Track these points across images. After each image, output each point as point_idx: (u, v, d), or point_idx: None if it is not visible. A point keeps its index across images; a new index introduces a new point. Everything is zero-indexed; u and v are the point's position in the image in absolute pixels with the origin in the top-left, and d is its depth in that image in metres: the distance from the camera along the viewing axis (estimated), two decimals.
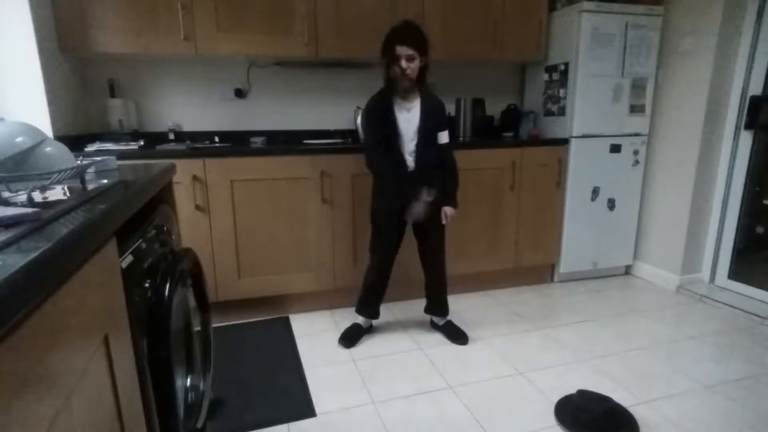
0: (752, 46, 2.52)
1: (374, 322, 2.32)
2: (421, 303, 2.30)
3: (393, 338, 2.22)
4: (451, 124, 2.67)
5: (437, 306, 2.26)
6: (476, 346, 2.14)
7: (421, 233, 2.15)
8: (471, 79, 3.09)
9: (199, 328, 1.44)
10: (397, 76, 1.89)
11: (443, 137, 2.05)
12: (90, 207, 0.74)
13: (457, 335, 2.18)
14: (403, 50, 1.86)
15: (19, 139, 0.92)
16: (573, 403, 1.62)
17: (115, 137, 2.33)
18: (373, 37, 2.51)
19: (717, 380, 1.85)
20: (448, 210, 2.06)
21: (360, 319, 2.24)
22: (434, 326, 2.31)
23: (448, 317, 2.27)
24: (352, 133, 2.83)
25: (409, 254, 2.23)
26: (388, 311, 2.51)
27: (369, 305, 2.21)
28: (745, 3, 2.50)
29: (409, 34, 1.87)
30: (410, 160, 2.01)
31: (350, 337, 2.16)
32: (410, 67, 1.87)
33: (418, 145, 1.99)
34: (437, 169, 2.05)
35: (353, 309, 2.26)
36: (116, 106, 2.44)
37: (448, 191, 2.06)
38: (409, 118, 1.98)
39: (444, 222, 2.06)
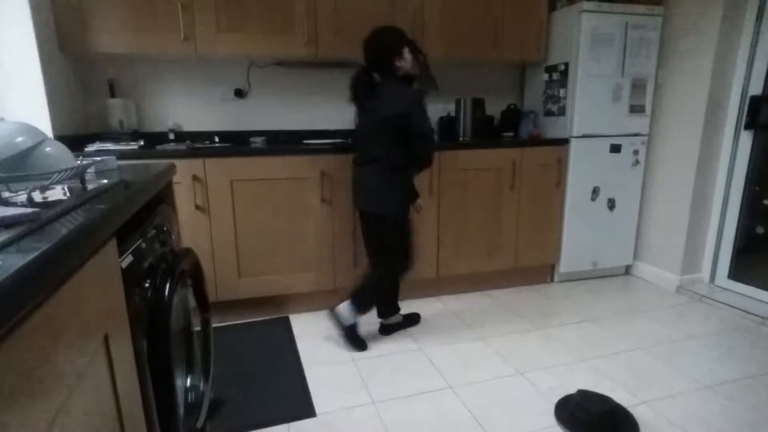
0: (752, 46, 2.52)
1: (373, 320, 2.31)
2: (422, 303, 2.30)
3: (393, 338, 2.22)
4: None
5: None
6: (476, 346, 2.14)
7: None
8: (471, 79, 3.09)
9: (199, 328, 1.44)
10: (419, 65, 1.97)
11: None
12: (90, 207, 0.74)
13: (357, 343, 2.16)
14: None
15: (19, 139, 0.92)
16: (573, 403, 1.62)
17: (115, 137, 2.33)
18: None
19: (717, 380, 1.85)
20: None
21: (360, 319, 2.22)
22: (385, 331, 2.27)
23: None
24: (351, 132, 2.83)
25: None
26: None
27: (392, 305, 2.26)
28: (745, 3, 2.50)
29: None
30: None
31: (358, 341, 2.14)
32: None
33: None
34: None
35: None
36: (116, 106, 2.43)
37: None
38: None
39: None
